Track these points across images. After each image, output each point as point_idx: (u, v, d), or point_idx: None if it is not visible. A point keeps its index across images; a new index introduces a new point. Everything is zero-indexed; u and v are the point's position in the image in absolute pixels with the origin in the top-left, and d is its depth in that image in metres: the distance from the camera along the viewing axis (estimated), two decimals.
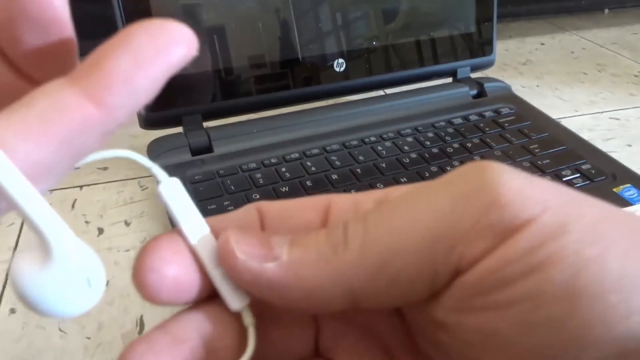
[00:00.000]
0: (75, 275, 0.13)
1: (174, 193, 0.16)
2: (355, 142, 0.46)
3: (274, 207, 0.17)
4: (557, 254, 0.13)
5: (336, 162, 0.44)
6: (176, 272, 0.15)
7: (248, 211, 0.17)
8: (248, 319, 0.16)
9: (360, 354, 0.17)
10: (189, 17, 0.43)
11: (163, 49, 0.13)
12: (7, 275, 0.38)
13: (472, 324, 0.14)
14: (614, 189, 0.41)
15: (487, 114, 0.51)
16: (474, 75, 0.56)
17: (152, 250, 0.15)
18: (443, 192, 0.14)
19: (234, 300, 0.16)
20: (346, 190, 0.41)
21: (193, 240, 0.16)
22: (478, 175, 0.14)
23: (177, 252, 0.15)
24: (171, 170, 0.43)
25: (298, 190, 0.41)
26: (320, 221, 0.17)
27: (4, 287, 0.37)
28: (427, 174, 0.43)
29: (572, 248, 0.13)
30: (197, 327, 0.15)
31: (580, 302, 0.13)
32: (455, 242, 0.13)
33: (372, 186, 0.41)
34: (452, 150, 0.46)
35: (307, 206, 0.17)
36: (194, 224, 0.16)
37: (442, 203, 0.14)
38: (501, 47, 0.78)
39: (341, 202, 0.17)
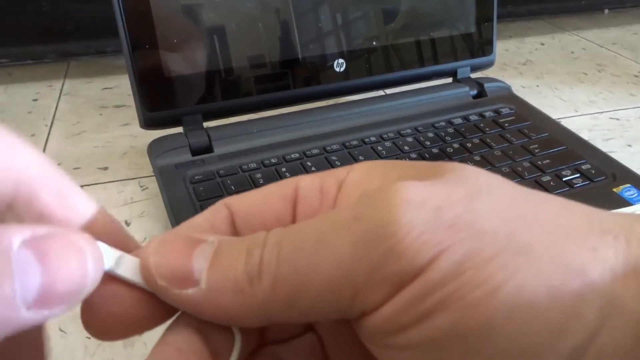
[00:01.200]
0: None
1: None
2: (355, 142, 0.46)
3: (243, 202, 0.17)
4: (444, 300, 0.13)
5: (336, 162, 0.44)
6: (117, 310, 0.16)
7: (217, 211, 0.17)
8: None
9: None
10: (189, 17, 0.43)
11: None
12: None
13: (383, 356, 0.15)
14: (614, 189, 0.41)
15: (487, 114, 0.51)
16: (474, 75, 0.56)
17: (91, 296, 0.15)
18: (347, 231, 0.14)
19: None
20: None
21: (121, 271, 0.15)
22: (382, 213, 0.14)
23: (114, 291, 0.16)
24: (171, 170, 0.43)
25: None
26: (290, 212, 0.17)
27: None
28: None
29: (459, 292, 0.13)
30: (195, 333, 0.16)
31: (468, 347, 0.13)
32: (355, 290, 0.14)
33: None
34: (452, 150, 0.46)
35: (276, 196, 0.17)
36: (117, 258, 0.16)
37: (344, 247, 0.14)
38: (501, 47, 0.78)
39: (308, 188, 0.17)
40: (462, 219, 0.13)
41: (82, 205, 0.16)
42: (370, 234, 0.14)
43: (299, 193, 0.17)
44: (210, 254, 0.15)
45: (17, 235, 0.13)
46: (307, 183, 0.17)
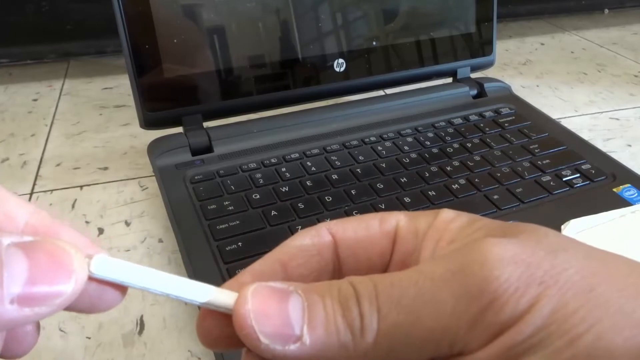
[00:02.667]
0: None
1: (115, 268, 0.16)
2: (355, 142, 0.46)
3: (346, 231, 0.19)
4: (534, 347, 0.15)
5: (336, 162, 0.44)
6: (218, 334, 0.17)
7: (322, 236, 0.19)
8: None
9: None
10: (189, 17, 0.43)
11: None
12: None
13: None
14: (614, 189, 0.41)
15: (487, 114, 0.51)
16: (474, 75, 0.56)
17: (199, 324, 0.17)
18: (447, 287, 0.15)
19: None
20: (346, 190, 0.41)
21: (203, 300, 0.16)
22: (481, 269, 0.15)
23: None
24: (171, 170, 0.43)
25: (298, 189, 0.41)
26: (390, 250, 0.18)
27: None
28: (427, 174, 0.43)
29: (547, 341, 0.14)
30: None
31: None
32: (455, 339, 0.15)
33: (372, 186, 0.41)
34: (452, 150, 0.46)
35: (379, 232, 0.19)
36: (180, 285, 0.16)
37: (444, 302, 0.15)
38: (501, 47, 0.78)
39: (406, 229, 0.18)
40: (549, 275, 0.15)
41: (14, 209, 0.17)
42: (472, 289, 0.15)
43: (398, 233, 0.19)
44: (303, 307, 0.16)
45: (6, 237, 0.13)
46: (406, 224, 0.19)
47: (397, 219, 0.19)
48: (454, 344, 0.15)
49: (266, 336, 0.15)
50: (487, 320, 0.15)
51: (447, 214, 0.18)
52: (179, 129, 0.45)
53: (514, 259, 0.15)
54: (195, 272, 0.34)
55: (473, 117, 0.51)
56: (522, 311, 0.15)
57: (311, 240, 0.18)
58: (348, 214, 0.39)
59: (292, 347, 0.15)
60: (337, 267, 0.19)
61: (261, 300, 0.16)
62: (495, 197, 0.40)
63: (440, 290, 0.15)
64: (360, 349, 0.15)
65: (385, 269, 0.19)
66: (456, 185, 0.42)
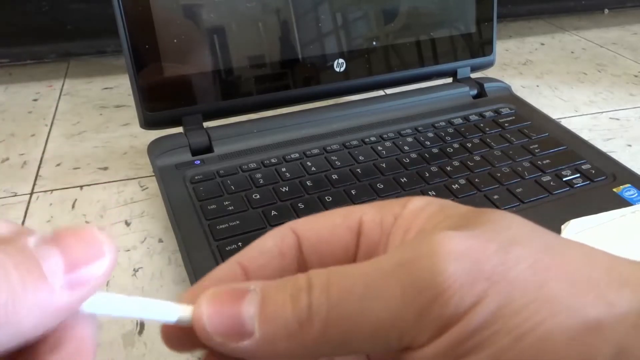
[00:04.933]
0: None
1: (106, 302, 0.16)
2: (355, 142, 0.46)
3: (310, 229, 0.19)
4: (481, 344, 0.15)
5: (336, 162, 0.44)
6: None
7: (285, 236, 0.19)
8: None
9: None
10: (189, 17, 0.43)
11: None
12: None
13: None
14: (614, 189, 0.41)
15: (487, 114, 0.51)
16: (474, 75, 0.56)
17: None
18: (395, 278, 0.15)
19: None
20: (346, 190, 0.41)
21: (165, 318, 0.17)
22: (429, 263, 0.15)
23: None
24: (171, 170, 0.43)
25: (298, 189, 0.41)
26: (355, 244, 0.18)
27: None
28: (427, 174, 0.43)
29: (493, 338, 0.14)
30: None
31: None
32: (403, 331, 0.15)
33: (372, 186, 0.41)
34: (452, 150, 0.46)
35: (343, 227, 0.19)
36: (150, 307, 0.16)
37: (393, 292, 0.15)
38: (501, 47, 0.78)
39: (371, 221, 0.18)
40: (498, 271, 0.15)
41: None
42: (419, 281, 0.15)
43: (363, 226, 0.18)
44: (258, 303, 0.16)
45: (30, 238, 0.14)
46: (370, 217, 0.18)
47: (362, 212, 0.19)
48: (402, 337, 0.15)
49: (220, 335, 0.16)
50: (433, 313, 0.15)
51: (417, 202, 0.18)
52: (179, 129, 0.45)
53: (463, 253, 0.15)
54: (195, 272, 0.34)
55: (473, 117, 0.51)
56: (467, 307, 0.15)
57: (273, 241, 0.19)
58: None
59: (245, 343, 0.16)
60: (302, 266, 0.19)
61: (216, 302, 0.16)
62: (496, 197, 0.40)
63: (389, 280, 0.15)
64: (309, 338, 0.15)
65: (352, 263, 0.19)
66: (456, 185, 0.42)
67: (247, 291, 0.16)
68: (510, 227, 0.16)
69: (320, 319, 0.15)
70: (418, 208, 0.18)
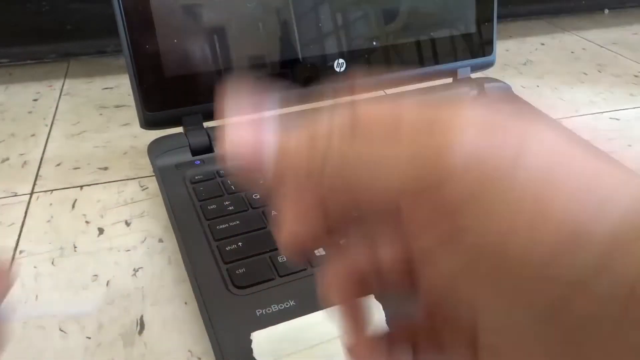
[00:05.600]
0: None
1: None
2: None
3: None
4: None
5: None
6: None
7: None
8: None
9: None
10: (189, 17, 0.43)
11: None
12: None
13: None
14: None
15: None
16: (474, 75, 0.56)
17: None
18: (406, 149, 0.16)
19: None
20: None
21: None
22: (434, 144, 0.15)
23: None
24: (171, 170, 0.43)
25: None
26: None
27: None
28: None
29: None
30: None
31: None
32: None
33: None
34: None
35: None
36: None
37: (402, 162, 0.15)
38: (501, 47, 0.78)
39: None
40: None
41: None
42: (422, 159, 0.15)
43: None
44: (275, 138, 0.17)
45: None
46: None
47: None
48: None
49: (239, 161, 0.18)
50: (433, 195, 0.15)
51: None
52: (179, 129, 0.45)
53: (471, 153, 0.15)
54: (195, 272, 0.34)
55: None
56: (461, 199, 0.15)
57: None
58: None
59: (262, 165, 0.18)
60: None
61: (239, 131, 0.18)
62: None
63: (398, 156, 0.16)
64: (320, 183, 0.17)
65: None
66: None
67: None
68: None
69: (334, 168, 0.16)
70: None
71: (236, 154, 0.17)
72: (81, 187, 0.48)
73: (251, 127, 0.18)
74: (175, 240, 0.38)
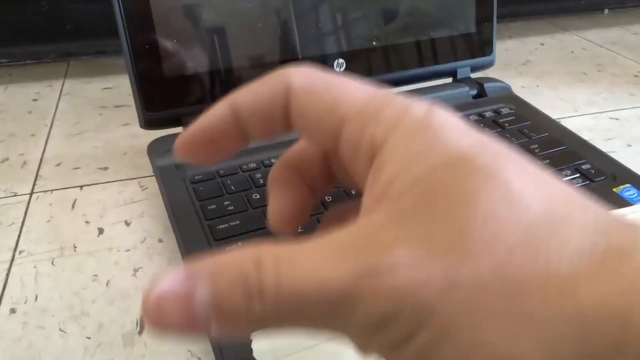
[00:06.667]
0: None
1: None
2: None
3: (246, 100, 0.19)
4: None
5: None
6: None
7: (222, 114, 0.19)
8: None
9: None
10: (189, 17, 0.43)
11: None
12: (7, 275, 0.38)
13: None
14: (614, 189, 0.41)
15: (487, 114, 0.51)
16: (474, 75, 0.56)
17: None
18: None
19: None
20: (346, 190, 0.41)
21: None
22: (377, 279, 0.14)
23: None
24: (171, 170, 0.43)
25: None
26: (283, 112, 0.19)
27: (4, 287, 0.37)
28: None
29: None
30: None
31: None
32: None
33: None
34: None
35: (273, 95, 0.19)
36: None
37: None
38: (501, 47, 0.78)
39: (300, 85, 0.18)
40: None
41: None
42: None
43: (291, 92, 0.19)
44: (210, 302, 0.15)
45: None
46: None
47: (289, 77, 0.19)
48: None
49: (172, 327, 0.15)
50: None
51: (398, 142, 0.16)
52: (179, 129, 0.45)
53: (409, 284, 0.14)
54: None
55: (473, 117, 0.51)
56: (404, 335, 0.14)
57: (212, 123, 0.20)
58: None
59: (201, 332, 0.15)
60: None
61: (166, 305, 0.15)
62: None
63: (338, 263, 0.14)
64: (265, 327, 0.15)
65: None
66: None
67: (196, 279, 0.15)
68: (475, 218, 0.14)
69: (275, 322, 0.15)
70: (405, 153, 0.15)
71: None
72: (81, 187, 0.48)
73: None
74: (175, 240, 0.38)
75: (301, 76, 0.18)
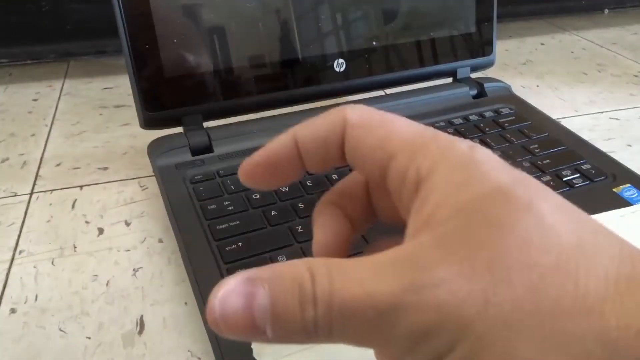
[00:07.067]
0: None
1: None
2: None
3: (306, 132, 0.21)
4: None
5: None
6: None
7: (285, 144, 0.21)
8: None
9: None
10: (189, 17, 0.43)
11: None
12: (7, 275, 0.38)
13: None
14: (614, 189, 0.41)
15: (487, 114, 0.51)
16: (474, 75, 0.56)
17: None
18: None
19: None
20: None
21: None
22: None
23: None
24: (171, 170, 0.43)
25: (297, 189, 0.41)
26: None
27: (4, 287, 0.37)
28: None
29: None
30: None
31: None
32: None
33: None
34: None
35: (331, 128, 0.20)
36: None
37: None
38: (501, 47, 0.78)
39: (355, 121, 0.20)
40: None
41: None
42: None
43: (348, 125, 0.20)
44: (268, 306, 0.16)
45: None
46: (355, 117, 0.20)
47: (345, 113, 0.21)
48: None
49: (234, 335, 0.16)
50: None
51: (442, 177, 0.17)
52: (179, 129, 0.45)
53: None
54: (195, 272, 0.34)
55: (473, 117, 0.51)
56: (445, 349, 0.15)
57: (281, 151, 0.21)
58: None
59: (259, 339, 0.16)
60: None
61: (229, 304, 0.16)
62: None
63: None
64: (318, 339, 0.16)
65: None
66: None
67: (257, 289, 0.16)
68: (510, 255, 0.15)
69: (325, 330, 0.16)
70: (449, 175, 0.17)
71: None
72: (81, 187, 0.48)
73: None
74: (175, 240, 0.38)
75: (357, 113, 0.21)
